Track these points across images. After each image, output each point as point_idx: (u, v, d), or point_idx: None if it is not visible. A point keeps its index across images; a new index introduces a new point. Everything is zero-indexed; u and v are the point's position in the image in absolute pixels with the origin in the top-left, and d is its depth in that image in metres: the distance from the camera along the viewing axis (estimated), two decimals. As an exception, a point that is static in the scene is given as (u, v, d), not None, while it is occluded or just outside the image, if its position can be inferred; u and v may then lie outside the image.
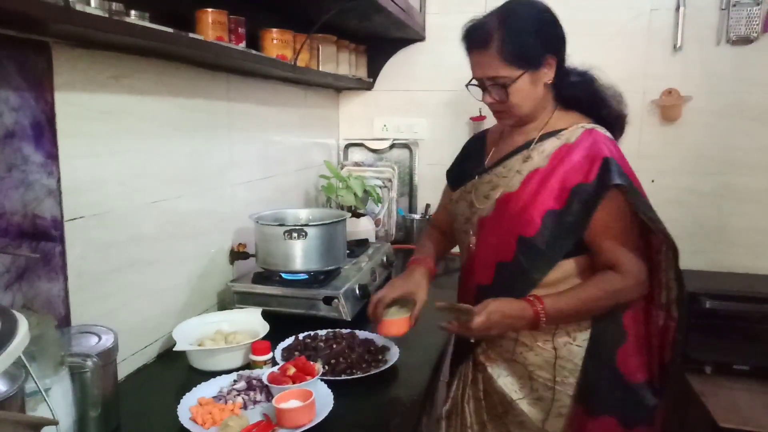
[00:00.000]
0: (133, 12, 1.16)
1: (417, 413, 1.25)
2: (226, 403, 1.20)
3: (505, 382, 1.41)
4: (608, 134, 1.37)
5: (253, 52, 1.57)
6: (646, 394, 1.36)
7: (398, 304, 1.42)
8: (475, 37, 1.35)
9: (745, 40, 2.40)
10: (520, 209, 1.36)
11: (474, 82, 1.41)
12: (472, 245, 1.47)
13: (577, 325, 1.37)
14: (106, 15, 1.00)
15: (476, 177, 1.50)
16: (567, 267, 1.36)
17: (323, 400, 1.20)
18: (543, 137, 1.39)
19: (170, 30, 1.18)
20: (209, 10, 1.46)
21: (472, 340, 1.42)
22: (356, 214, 2.40)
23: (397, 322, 1.37)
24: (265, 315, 1.57)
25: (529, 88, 1.35)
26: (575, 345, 1.36)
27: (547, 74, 1.36)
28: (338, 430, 1.15)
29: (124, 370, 1.34)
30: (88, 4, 1.03)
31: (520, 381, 1.41)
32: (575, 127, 1.37)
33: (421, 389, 1.34)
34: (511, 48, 1.30)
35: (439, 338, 1.57)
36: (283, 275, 1.72)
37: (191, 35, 1.26)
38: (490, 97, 1.38)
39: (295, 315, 1.66)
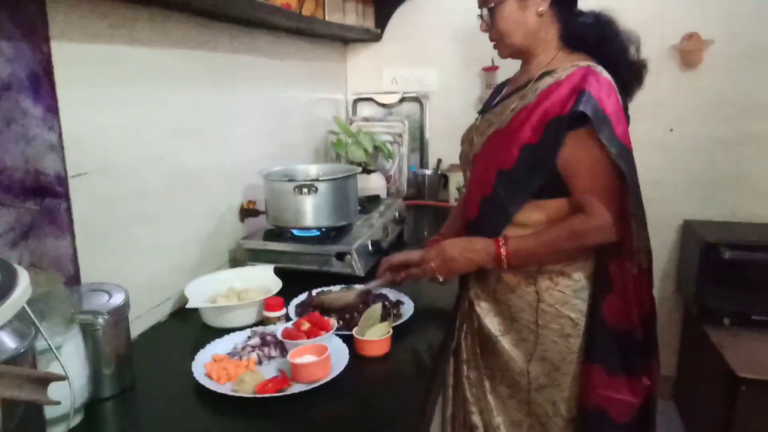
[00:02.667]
0: (128, -44, 1.10)
1: (434, 364, 1.24)
2: (240, 359, 1.18)
3: (492, 321, 1.47)
4: (607, 76, 1.30)
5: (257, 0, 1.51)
6: (629, 343, 1.37)
7: (374, 319, 1.29)
8: None
9: (772, -20, 2.28)
10: (503, 143, 1.36)
11: (479, 14, 1.41)
12: (467, 181, 1.51)
13: (560, 270, 1.37)
14: (100, -44, 0.95)
15: (479, 117, 1.52)
16: (548, 209, 1.35)
17: (338, 354, 1.18)
18: (541, 76, 1.36)
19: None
20: (209, -46, 1.39)
21: (441, 279, 1.41)
22: (367, 170, 2.36)
23: (374, 343, 1.22)
24: (278, 272, 1.55)
25: (516, 15, 1.34)
26: (557, 290, 1.38)
27: (539, 3, 1.33)
28: (354, 384, 1.14)
29: (137, 328, 1.33)
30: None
31: (505, 321, 1.45)
32: (570, 65, 1.33)
33: (437, 340, 1.32)
34: None
35: (452, 290, 1.55)
36: (294, 232, 1.69)
37: (192, -20, 1.20)
38: (484, 25, 1.40)
39: (308, 271, 1.64)
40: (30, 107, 1.01)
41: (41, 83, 1.03)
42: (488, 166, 1.39)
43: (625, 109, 1.36)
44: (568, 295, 1.38)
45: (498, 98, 1.51)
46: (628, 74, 1.36)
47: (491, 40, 1.43)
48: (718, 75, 2.41)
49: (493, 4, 1.36)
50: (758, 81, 2.38)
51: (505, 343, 1.44)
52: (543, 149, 1.29)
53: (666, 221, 2.58)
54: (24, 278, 0.58)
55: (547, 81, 1.34)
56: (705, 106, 2.45)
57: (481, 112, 1.56)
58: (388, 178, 2.61)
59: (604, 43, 1.34)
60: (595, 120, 1.23)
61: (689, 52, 2.39)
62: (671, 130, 2.50)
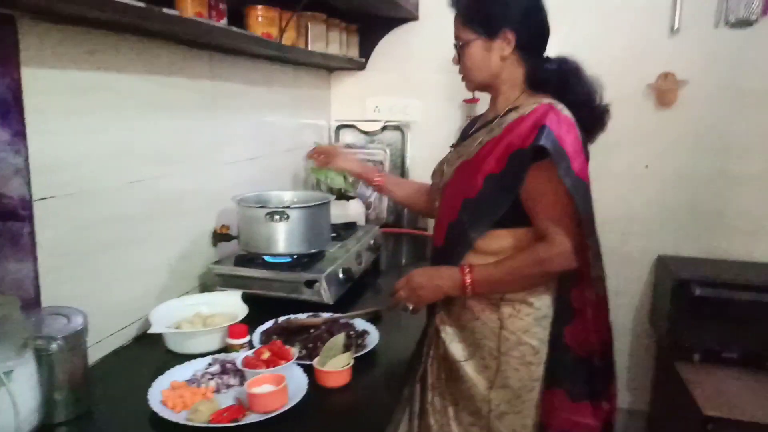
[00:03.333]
0: (105, -15, 1.12)
1: (394, 397, 1.24)
2: (199, 386, 1.18)
3: (456, 347, 1.49)
4: (568, 114, 1.37)
5: (234, 29, 1.54)
6: (592, 369, 1.43)
7: (336, 350, 1.30)
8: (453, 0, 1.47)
9: (745, 23, 2.35)
10: (469, 174, 1.42)
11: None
12: (436, 210, 1.55)
13: (522, 299, 1.41)
14: (71, -13, 0.97)
15: (451, 149, 1.59)
16: (509, 237, 1.40)
17: (297, 384, 1.19)
18: (507, 112, 1.43)
19: (142, 4, 1.14)
20: (188, -15, 1.42)
21: (410, 307, 1.45)
22: (345, 197, 2.37)
23: (334, 374, 1.23)
24: (249, 298, 1.56)
25: (481, 55, 1.42)
26: (519, 318, 1.41)
27: (504, 48, 1.40)
28: (311, 415, 1.14)
29: (99, 352, 1.33)
30: (55, -24, 1.00)
31: (469, 347, 1.48)
32: (534, 101, 1.40)
33: (400, 371, 1.34)
34: (470, 12, 1.42)
35: (418, 319, 1.57)
36: (266, 258, 1.70)
37: (165, 10, 1.23)
38: (455, 59, 1.48)
39: (278, 298, 1.64)
40: (-4, 131, 1.03)
41: (9, 108, 1.05)
42: (455, 195, 1.45)
43: (585, 146, 1.42)
44: (529, 323, 1.42)
45: (470, 132, 1.57)
46: (591, 118, 1.43)
47: (459, 73, 1.50)
48: (692, 113, 2.46)
49: (461, 43, 1.44)
50: (732, 121, 2.43)
51: (469, 368, 1.47)
52: (506, 179, 1.35)
53: (640, 256, 2.61)
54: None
55: (512, 116, 1.40)
56: (680, 143, 2.50)
57: (454, 146, 1.61)
58: (368, 205, 2.63)
59: (566, 88, 1.41)
60: (553, 154, 1.29)
61: (664, 90, 2.44)
62: (647, 166, 2.54)
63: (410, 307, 1.45)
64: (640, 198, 2.57)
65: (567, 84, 1.41)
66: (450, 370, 1.51)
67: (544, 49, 1.45)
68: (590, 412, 1.43)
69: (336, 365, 1.25)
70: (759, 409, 1.96)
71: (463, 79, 1.50)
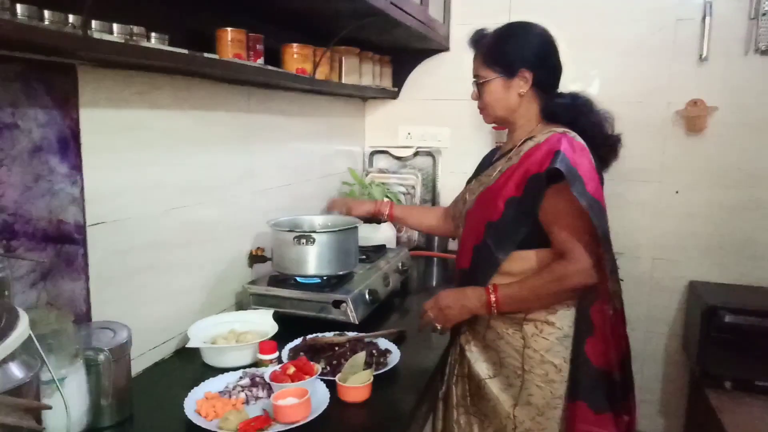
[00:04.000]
0: (153, 35, 1.27)
1: (411, 413, 1.32)
2: (230, 397, 1.29)
3: (481, 366, 1.56)
4: (581, 141, 1.46)
5: (269, 67, 1.67)
6: (612, 382, 1.47)
7: (357, 367, 1.39)
8: (473, 39, 1.62)
9: (775, 51, 2.36)
10: (491, 199, 1.51)
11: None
12: (459, 235, 1.64)
13: (545, 319, 1.48)
14: (123, 41, 1.11)
15: (474, 179, 1.68)
16: (532, 258, 1.48)
17: (320, 398, 1.28)
18: (524, 142, 1.53)
19: (185, 51, 1.28)
20: (228, 29, 1.56)
21: (439, 327, 1.55)
22: (377, 221, 2.47)
23: (354, 389, 1.31)
24: (280, 317, 1.67)
25: (501, 92, 1.53)
26: (542, 337, 1.48)
27: (521, 86, 1.52)
28: (332, 427, 1.23)
29: (141, 364, 1.45)
30: (110, 30, 1.14)
31: (494, 366, 1.55)
32: (548, 131, 1.49)
33: (419, 388, 1.41)
34: (490, 53, 1.54)
35: (441, 340, 1.65)
36: (297, 279, 1.81)
37: (206, 55, 1.36)
38: (474, 95, 1.59)
39: (308, 317, 1.74)
40: (57, 165, 1.17)
41: (69, 144, 1.19)
42: (478, 220, 1.55)
43: (599, 172, 1.50)
44: (552, 342, 1.47)
45: (492, 160, 1.67)
46: (604, 147, 1.52)
47: (478, 107, 1.61)
48: (722, 141, 2.47)
49: (482, 80, 1.55)
50: (762, 149, 2.42)
51: (493, 386, 1.53)
52: (525, 202, 1.44)
53: (672, 283, 2.61)
54: (23, 322, 0.71)
55: (528, 144, 1.51)
56: (710, 171, 2.50)
57: (475, 176, 1.71)
58: (399, 228, 2.72)
59: (578, 119, 1.50)
60: (568, 175, 1.37)
61: (693, 117, 2.46)
62: (677, 192, 2.55)
63: (439, 327, 1.54)
64: (671, 224, 2.58)
65: (580, 115, 1.51)
66: (476, 388, 1.58)
67: (557, 85, 1.55)
68: (612, 423, 1.48)
69: (357, 381, 1.33)
70: (789, 439, 1.94)
71: (482, 112, 1.61)
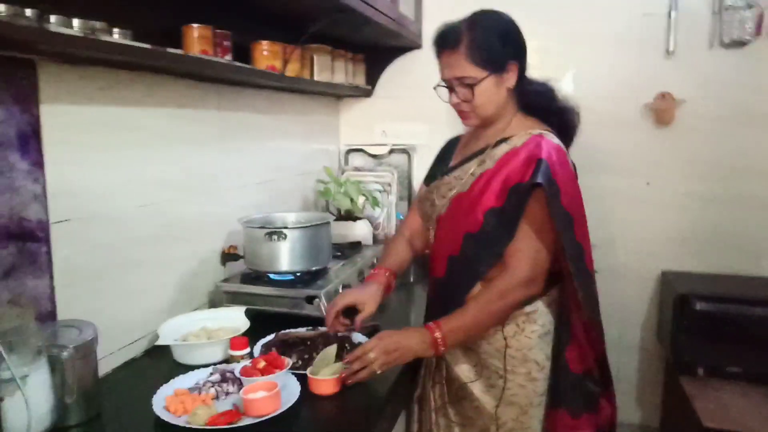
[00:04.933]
0: (116, 30, 1.25)
1: (380, 408, 1.32)
2: (200, 393, 1.28)
3: (462, 368, 1.52)
4: (557, 141, 1.44)
5: (237, 63, 1.66)
6: (588, 383, 1.48)
7: (328, 360, 1.38)
8: (446, 39, 1.45)
9: (739, 44, 2.41)
10: (467, 208, 1.45)
11: (442, 83, 1.50)
12: (431, 241, 1.59)
13: (526, 316, 1.46)
14: (82, 35, 1.10)
15: (438, 178, 1.60)
16: None
17: (291, 391, 1.27)
18: (497, 143, 1.48)
19: (148, 46, 1.27)
20: (194, 25, 1.55)
21: (378, 372, 1.33)
22: (352, 218, 2.47)
23: (324, 382, 1.31)
24: (255, 314, 1.66)
25: (493, 90, 1.44)
26: (524, 336, 1.46)
27: (510, 79, 1.45)
28: (302, 419, 1.23)
29: (111, 363, 1.44)
30: (70, 25, 1.13)
31: (475, 368, 1.51)
32: (524, 133, 1.45)
33: (390, 382, 1.40)
34: (478, 50, 1.40)
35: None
36: (270, 275, 1.80)
37: (170, 50, 1.35)
38: (457, 98, 1.46)
39: (281, 314, 1.73)
40: (17, 161, 1.15)
41: (29, 141, 1.18)
42: (455, 229, 1.49)
43: (574, 167, 1.49)
44: (533, 340, 1.46)
45: (458, 162, 1.58)
46: (567, 136, 1.53)
47: (461, 110, 1.48)
48: (691, 133, 2.51)
49: (473, 82, 1.41)
50: (730, 139, 2.47)
51: (475, 389, 1.50)
52: (509, 212, 1.40)
53: (646, 273, 2.64)
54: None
55: (504, 148, 1.46)
56: (680, 162, 2.54)
57: (438, 171, 1.63)
58: (376, 225, 2.72)
59: (551, 110, 1.52)
60: (547, 189, 1.35)
61: (662, 110, 2.50)
62: (648, 183, 2.59)
63: (377, 371, 1.33)
64: (643, 216, 2.61)
65: (551, 101, 1.53)
66: (456, 391, 1.54)
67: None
68: (591, 422, 1.48)
69: (327, 374, 1.33)
70: (759, 422, 1.97)
71: (469, 116, 1.48)
